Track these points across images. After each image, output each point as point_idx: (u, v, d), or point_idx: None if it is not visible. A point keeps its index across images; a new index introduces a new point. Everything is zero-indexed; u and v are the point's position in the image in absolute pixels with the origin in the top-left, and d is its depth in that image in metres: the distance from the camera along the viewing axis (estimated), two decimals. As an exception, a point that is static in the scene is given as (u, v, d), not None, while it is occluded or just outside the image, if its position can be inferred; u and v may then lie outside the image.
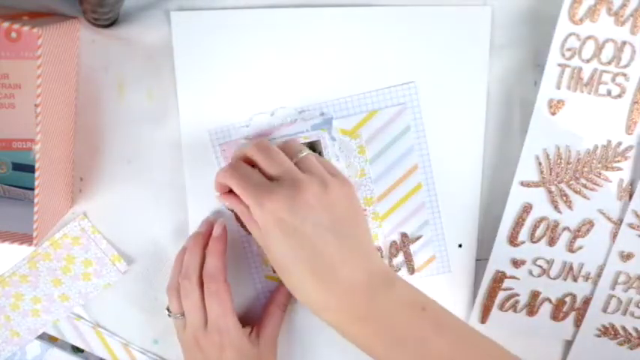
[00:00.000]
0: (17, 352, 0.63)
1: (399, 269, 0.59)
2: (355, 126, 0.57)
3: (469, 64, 0.55)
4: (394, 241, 0.59)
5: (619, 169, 0.52)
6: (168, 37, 0.55)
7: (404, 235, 0.59)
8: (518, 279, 0.56)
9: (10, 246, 0.51)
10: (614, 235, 0.54)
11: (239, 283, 0.60)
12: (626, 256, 0.54)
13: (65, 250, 0.59)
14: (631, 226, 0.53)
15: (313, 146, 0.56)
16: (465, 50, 0.55)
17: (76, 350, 0.63)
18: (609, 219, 0.54)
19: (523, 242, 0.55)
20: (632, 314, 0.56)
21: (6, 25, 0.46)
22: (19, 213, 0.54)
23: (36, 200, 0.49)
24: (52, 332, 0.62)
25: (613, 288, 0.55)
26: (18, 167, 0.59)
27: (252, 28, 0.55)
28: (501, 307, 0.57)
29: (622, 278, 0.55)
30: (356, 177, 0.58)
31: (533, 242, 0.55)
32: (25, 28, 0.46)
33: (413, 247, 0.59)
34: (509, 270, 0.56)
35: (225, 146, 0.57)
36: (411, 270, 0.59)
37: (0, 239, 0.51)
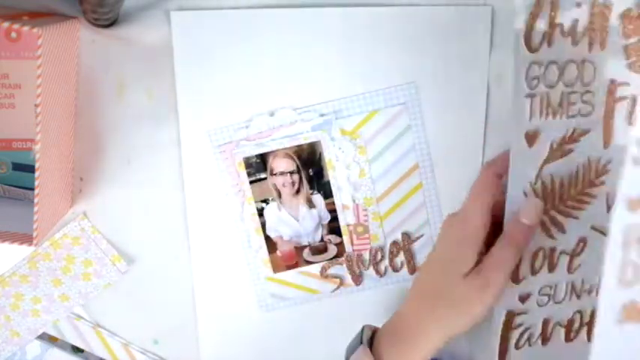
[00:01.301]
0: (17, 352, 0.63)
1: (400, 269, 0.60)
2: (355, 126, 0.57)
3: (469, 64, 0.55)
4: (395, 241, 0.59)
5: (602, 183, 0.52)
6: (168, 37, 0.55)
7: (405, 235, 0.59)
8: (526, 313, 0.55)
9: (10, 246, 0.51)
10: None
11: (238, 285, 0.60)
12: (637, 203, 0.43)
13: (65, 250, 0.59)
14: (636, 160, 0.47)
15: (313, 147, 0.56)
16: (465, 50, 0.55)
17: (76, 350, 0.63)
18: (602, 232, 0.53)
19: (525, 278, 0.54)
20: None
21: (6, 25, 0.46)
22: (19, 213, 0.54)
23: (36, 200, 0.49)
24: (52, 332, 0.62)
25: (627, 247, 0.42)
26: (18, 167, 0.59)
27: (251, 28, 0.55)
28: (517, 346, 0.55)
29: (636, 234, 0.43)
30: (356, 177, 0.58)
31: (535, 274, 0.54)
32: (25, 28, 0.46)
33: (414, 247, 0.59)
34: (517, 307, 0.55)
35: (224, 147, 0.57)
36: (412, 269, 0.59)
37: (0, 239, 0.51)
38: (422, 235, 0.59)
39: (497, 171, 0.48)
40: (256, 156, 0.56)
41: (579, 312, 0.55)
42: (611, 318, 0.44)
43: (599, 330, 0.45)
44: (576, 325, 0.55)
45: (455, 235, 0.48)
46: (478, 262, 0.47)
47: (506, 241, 0.47)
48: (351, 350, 0.50)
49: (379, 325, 0.52)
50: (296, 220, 0.58)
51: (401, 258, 0.59)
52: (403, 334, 0.48)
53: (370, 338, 0.50)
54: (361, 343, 0.49)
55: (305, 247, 0.59)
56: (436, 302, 0.48)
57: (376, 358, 0.48)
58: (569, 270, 0.53)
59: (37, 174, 0.49)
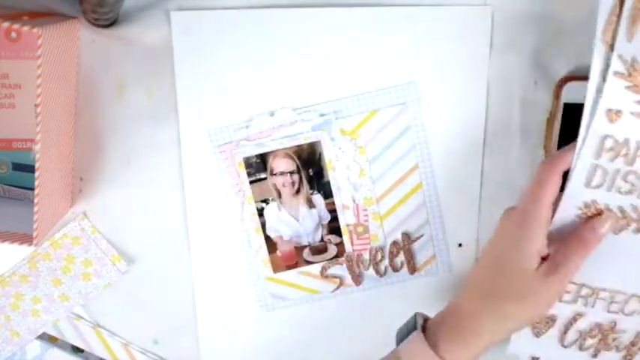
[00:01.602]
0: (17, 352, 0.63)
1: (400, 269, 0.60)
2: (355, 126, 0.57)
3: (469, 64, 0.55)
4: (395, 241, 0.59)
5: None
6: (168, 37, 0.55)
7: (405, 235, 0.59)
8: None
9: (10, 246, 0.51)
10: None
11: (238, 285, 0.60)
12: (615, 114, 0.45)
13: (65, 250, 0.59)
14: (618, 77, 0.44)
15: (313, 147, 0.56)
16: (465, 50, 0.55)
17: (76, 350, 0.63)
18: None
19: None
20: (619, 190, 0.47)
21: (6, 25, 0.46)
22: (19, 213, 0.54)
23: (36, 200, 0.49)
24: (52, 332, 0.62)
25: (599, 156, 0.46)
26: (18, 167, 0.59)
27: (251, 29, 0.55)
28: None
29: (609, 143, 0.46)
30: (356, 177, 0.58)
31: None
32: (25, 28, 0.46)
33: (414, 247, 0.59)
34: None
35: (224, 147, 0.57)
36: (412, 269, 0.59)
37: (0, 239, 0.51)
38: (422, 235, 0.59)
39: (561, 169, 0.47)
40: (256, 156, 0.56)
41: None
42: (571, 212, 0.49)
43: (560, 213, 0.48)
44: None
45: (515, 231, 0.48)
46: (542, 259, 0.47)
47: (579, 243, 0.47)
48: (402, 335, 0.50)
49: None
50: (296, 220, 0.58)
51: (401, 258, 0.59)
52: (462, 327, 0.48)
53: (421, 326, 0.50)
54: (415, 328, 0.49)
55: (305, 247, 0.59)
56: (500, 298, 0.47)
57: (431, 346, 0.47)
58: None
59: (37, 174, 0.49)
